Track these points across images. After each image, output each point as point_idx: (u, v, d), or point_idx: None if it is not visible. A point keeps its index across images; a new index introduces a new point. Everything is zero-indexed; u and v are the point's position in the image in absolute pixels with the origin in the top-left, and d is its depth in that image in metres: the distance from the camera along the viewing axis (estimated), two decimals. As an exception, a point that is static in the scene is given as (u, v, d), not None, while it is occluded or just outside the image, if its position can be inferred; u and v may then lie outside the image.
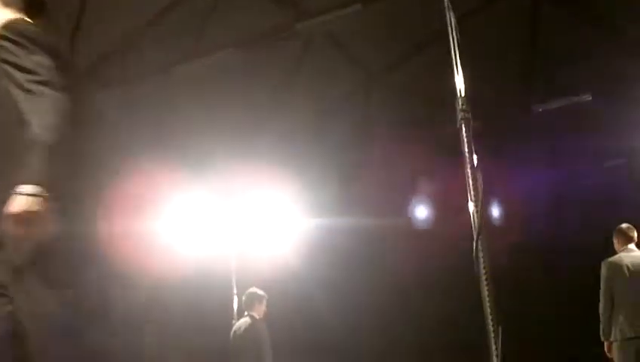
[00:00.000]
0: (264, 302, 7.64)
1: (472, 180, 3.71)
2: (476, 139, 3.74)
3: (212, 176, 8.22)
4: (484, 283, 3.55)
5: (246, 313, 7.67)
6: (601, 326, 6.38)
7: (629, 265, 6.41)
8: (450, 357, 10.52)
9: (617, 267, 6.42)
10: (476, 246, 3.59)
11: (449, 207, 9.52)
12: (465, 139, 3.75)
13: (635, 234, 6.67)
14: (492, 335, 3.42)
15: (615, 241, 6.71)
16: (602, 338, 6.41)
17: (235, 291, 8.44)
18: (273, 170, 8.54)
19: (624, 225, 6.72)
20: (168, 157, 8.07)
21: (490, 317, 3.47)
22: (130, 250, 9.67)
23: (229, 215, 8.87)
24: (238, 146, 8.35)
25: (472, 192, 3.71)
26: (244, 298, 7.77)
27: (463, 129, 3.75)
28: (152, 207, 8.50)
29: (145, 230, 8.81)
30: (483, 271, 3.55)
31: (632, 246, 6.60)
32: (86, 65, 7.19)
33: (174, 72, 7.44)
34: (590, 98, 9.26)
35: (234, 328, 7.74)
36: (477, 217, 3.65)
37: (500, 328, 3.44)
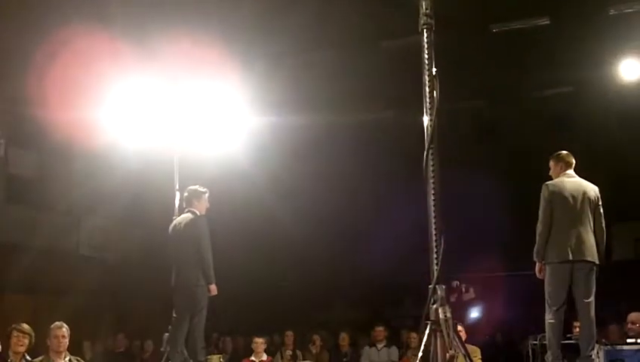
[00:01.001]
0: (204, 198, 7.56)
1: (429, 89, 3.65)
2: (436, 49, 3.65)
3: (156, 63, 7.92)
4: (431, 192, 3.56)
5: (186, 209, 7.61)
6: (535, 247, 6.52)
7: (571, 190, 6.52)
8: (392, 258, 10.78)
9: (559, 190, 6.52)
10: (427, 156, 3.58)
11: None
12: (425, 46, 3.66)
13: (574, 161, 6.77)
14: (434, 239, 3.45)
15: (553, 166, 6.79)
16: (535, 259, 6.56)
17: (177, 187, 8.32)
18: (219, 62, 8.28)
19: (563, 152, 6.81)
20: (110, 40, 7.73)
21: (433, 224, 3.50)
22: (72, 137, 9.45)
23: (173, 108, 8.62)
24: (182, 35, 8.01)
25: (427, 102, 3.66)
26: (184, 194, 7.70)
27: (425, 34, 3.66)
28: (92, 93, 8.22)
29: (85, 118, 8.55)
30: (431, 182, 3.56)
31: (571, 171, 6.71)
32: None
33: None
34: (548, 22, 9.20)
35: (174, 223, 7.67)
36: (430, 126, 3.63)
37: (442, 235, 3.47)
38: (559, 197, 6.47)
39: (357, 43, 9.53)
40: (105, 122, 8.56)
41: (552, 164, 6.79)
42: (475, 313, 12.94)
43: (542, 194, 6.55)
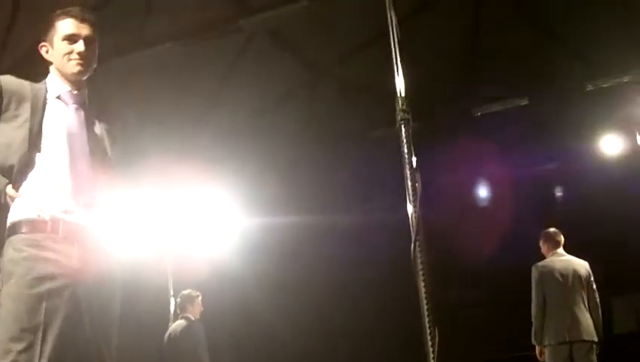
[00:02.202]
0: (197, 302, 7.53)
1: (411, 182, 3.69)
2: (415, 140, 3.72)
3: (147, 172, 8.01)
4: (422, 285, 3.53)
5: (181, 315, 7.55)
6: (532, 331, 6.45)
7: (561, 269, 6.51)
8: (387, 355, 10.59)
9: (549, 271, 6.52)
10: (414, 249, 3.57)
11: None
12: (404, 140, 3.73)
13: (562, 239, 6.78)
14: (428, 337, 3.41)
15: (543, 246, 6.80)
16: (534, 343, 6.48)
17: (171, 293, 8.29)
18: (211, 167, 8.39)
19: (551, 230, 6.84)
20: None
21: (427, 320, 3.46)
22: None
23: (165, 213, 8.68)
24: (174, 142, 8.17)
25: (410, 194, 3.69)
26: (177, 300, 7.67)
27: (402, 129, 3.74)
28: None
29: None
30: (421, 274, 3.54)
31: (560, 250, 6.72)
32: (19, 55, 6.94)
33: (108, 65, 7.23)
34: (527, 102, 9.40)
35: (169, 331, 7.61)
36: (414, 219, 3.64)
37: (436, 330, 3.43)
38: (549, 277, 6.47)
39: (343, 137, 9.71)
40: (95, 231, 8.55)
41: (541, 242, 6.81)
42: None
43: (532, 276, 6.54)
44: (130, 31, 7.45)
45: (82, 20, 3.28)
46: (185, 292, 7.57)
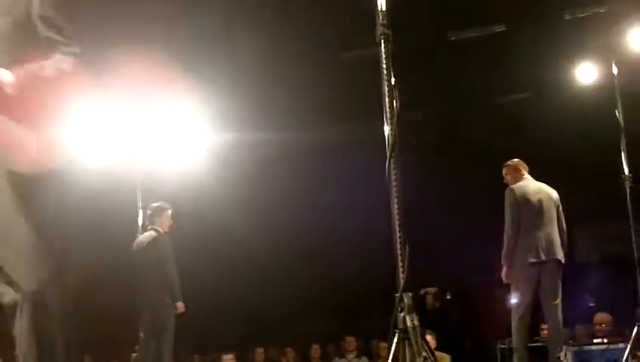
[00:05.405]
0: (166, 214, 7.48)
1: (389, 99, 3.65)
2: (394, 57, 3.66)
3: (115, 83, 7.79)
4: (394, 200, 3.56)
5: (149, 227, 7.53)
6: (504, 251, 6.57)
7: (535, 192, 6.62)
8: (361, 267, 10.84)
9: (524, 193, 6.61)
10: (389, 165, 3.58)
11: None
12: (383, 55, 3.67)
13: (527, 168, 6.87)
14: (399, 252, 3.45)
15: (512, 173, 6.83)
16: (503, 263, 6.61)
17: (140, 204, 8.23)
18: (181, 79, 8.21)
19: (515, 160, 6.88)
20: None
21: (398, 233, 3.49)
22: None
23: (134, 125, 8.52)
24: (143, 52, 7.93)
25: (387, 111, 3.66)
26: (147, 212, 7.62)
27: (382, 44, 3.67)
28: (50, 113, 8.05)
29: (42, 140, 8.37)
30: (394, 191, 3.55)
31: (529, 176, 6.80)
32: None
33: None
34: (504, 28, 9.34)
35: (136, 241, 7.58)
36: (390, 136, 3.63)
37: (406, 246, 3.47)
38: (525, 199, 6.57)
39: (316, 56, 9.56)
40: (64, 142, 8.40)
41: (509, 171, 6.86)
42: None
43: (507, 199, 6.63)
44: None
45: None
46: (155, 204, 7.52)
